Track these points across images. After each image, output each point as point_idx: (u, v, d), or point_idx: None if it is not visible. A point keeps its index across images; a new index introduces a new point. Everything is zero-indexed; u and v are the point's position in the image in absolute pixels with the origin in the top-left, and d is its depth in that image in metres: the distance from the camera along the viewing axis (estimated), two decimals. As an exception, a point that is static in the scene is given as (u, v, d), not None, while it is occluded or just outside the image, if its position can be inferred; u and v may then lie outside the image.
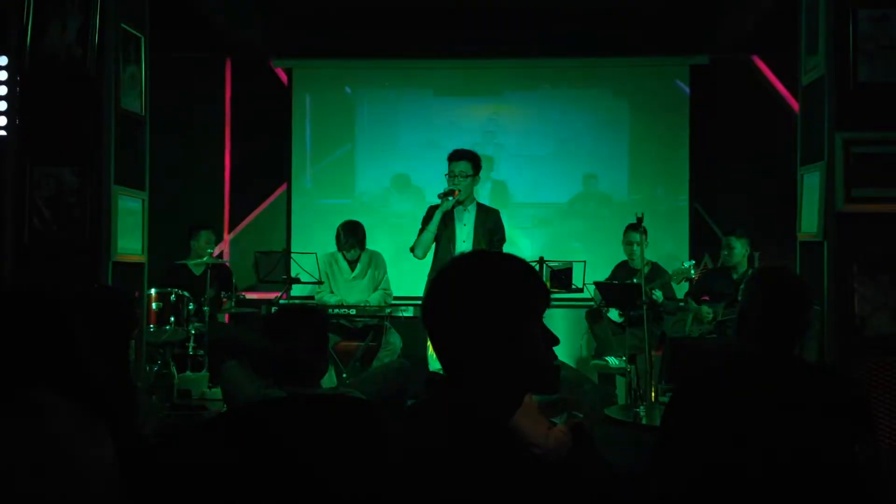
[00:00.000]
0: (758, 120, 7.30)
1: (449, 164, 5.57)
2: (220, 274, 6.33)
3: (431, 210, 5.64)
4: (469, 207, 5.62)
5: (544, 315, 1.59)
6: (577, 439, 3.09)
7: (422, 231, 5.62)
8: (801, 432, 2.19)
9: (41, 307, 1.80)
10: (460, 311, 1.52)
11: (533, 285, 1.57)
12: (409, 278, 6.63)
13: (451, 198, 5.47)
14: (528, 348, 1.54)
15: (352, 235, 6.14)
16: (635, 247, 6.16)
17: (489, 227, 5.61)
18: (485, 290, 1.53)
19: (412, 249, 5.65)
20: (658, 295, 5.99)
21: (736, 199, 7.36)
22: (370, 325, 5.98)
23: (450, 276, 1.58)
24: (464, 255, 1.61)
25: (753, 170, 7.29)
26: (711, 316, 5.96)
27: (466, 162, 5.52)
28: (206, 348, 5.69)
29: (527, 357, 1.54)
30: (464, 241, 5.57)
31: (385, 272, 6.33)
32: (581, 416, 3.26)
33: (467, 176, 5.51)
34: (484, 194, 7.37)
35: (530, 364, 1.54)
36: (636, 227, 5.86)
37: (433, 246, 5.63)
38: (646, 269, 5.88)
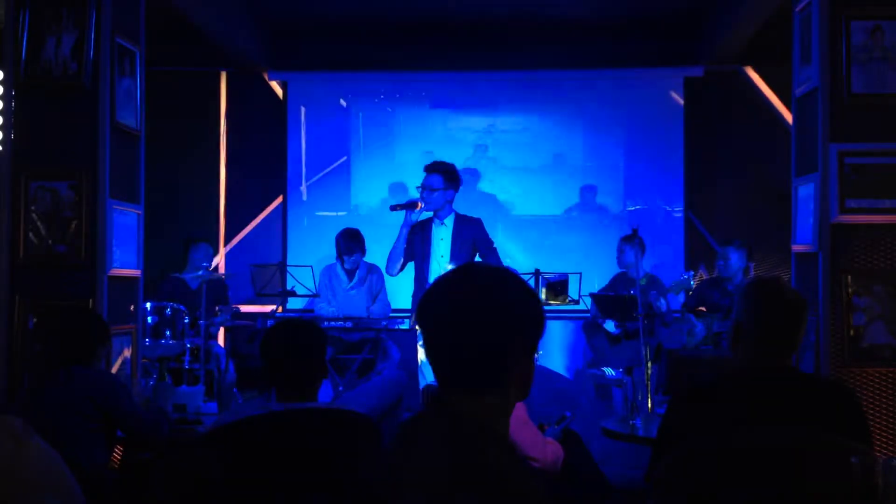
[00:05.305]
0: (752, 131, 7.34)
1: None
2: (215, 287, 6.31)
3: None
4: (446, 221, 5.40)
5: None
6: (568, 443, 3.09)
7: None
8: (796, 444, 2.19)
9: None
10: (462, 326, 1.52)
11: (532, 298, 1.59)
12: (405, 291, 6.62)
13: (415, 210, 5.31)
14: (523, 359, 1.55)
15: (352, 240, 6.14)
16: (628, 258, 6.23)
17: (469, 238, 5.37)
18: (488, 305, 1.53)
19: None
20: (663, 303, 5.99)
21: (731, 211, 7.38)
22: (367, 337, 5.97)
23: (448, 292, 1.58)
24: (460, 269, 1.61)
25: (748, 181, 7.32)
26: (704, 334, 5.96)
27: (438, 175, 5.32)
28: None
29: (521, 368, 1.55)
30: (442, 255, 5.34)
31: (383, 285, 6.33)
32: (570, 414, 3.24)
33: (434, 190, 5.29)
34: (479, 206, 7.37)
35: (522, 374, 1.55)
36: (630, 238, 5.86)
37: (412, 263, 5.45)
38: (643, 281, 5.89)
